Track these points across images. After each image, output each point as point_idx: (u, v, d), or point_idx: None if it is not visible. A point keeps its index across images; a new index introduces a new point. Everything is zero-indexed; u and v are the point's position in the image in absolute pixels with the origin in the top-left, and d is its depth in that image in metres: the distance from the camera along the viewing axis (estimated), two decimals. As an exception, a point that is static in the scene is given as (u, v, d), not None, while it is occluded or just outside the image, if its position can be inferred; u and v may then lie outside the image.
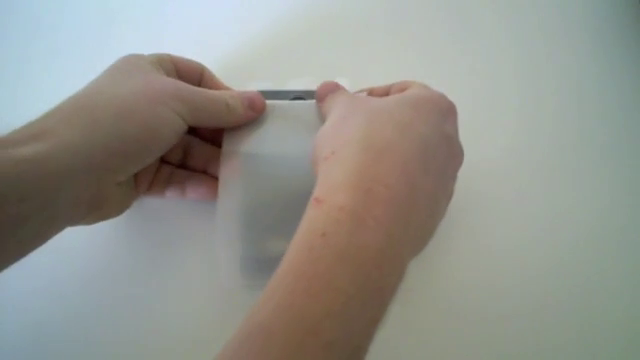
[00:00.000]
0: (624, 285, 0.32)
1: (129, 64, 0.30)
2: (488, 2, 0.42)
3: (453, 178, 0.29)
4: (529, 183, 0.35)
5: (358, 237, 0.21)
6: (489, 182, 0.35)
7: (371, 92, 0.32)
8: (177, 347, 0.31)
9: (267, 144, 0.31)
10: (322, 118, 0.30)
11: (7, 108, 0.38)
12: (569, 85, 0.39)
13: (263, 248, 0.29)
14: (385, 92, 0.32)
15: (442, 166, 0.26)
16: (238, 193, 0.30)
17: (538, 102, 0.38)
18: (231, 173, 0.30)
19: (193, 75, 0.33)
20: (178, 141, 0.30)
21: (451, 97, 0.29)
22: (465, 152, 0.29)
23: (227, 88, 0.35)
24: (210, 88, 0.33)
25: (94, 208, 0.28)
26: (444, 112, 0.28)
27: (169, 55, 0.32)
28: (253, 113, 0.31)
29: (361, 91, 0.33)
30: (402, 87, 0.31)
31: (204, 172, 0.33)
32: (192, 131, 0.33)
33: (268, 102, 0.32)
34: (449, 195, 0.29)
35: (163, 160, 0.33)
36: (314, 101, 0.32)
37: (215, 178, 0.32)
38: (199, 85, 0.33)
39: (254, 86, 0.33)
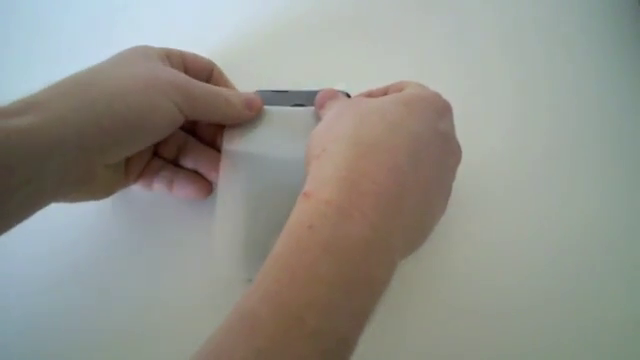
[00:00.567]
0: (621, 282, 0.32)
1: (136, 52, 0.31)
2: (484, 2, 0.42)
3: (451, 175, 0.29)
4: (526, 182, 0.35)
5: (343, 229, 0.22)
6: (487, 181, 0.35)
7: (369, 95, 0.33)
8: (173, 339, 0.31)
9: (267, 146, 0.32)
10: None
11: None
12: (566, 84, 0.38)
13: (261, 243, 0.30)
14: (383, 94, 0.32)
15: (436, 163, 0.26)
16: (238, 191, 0.31)
17: (535, 101, 0.38)
18: (231, 170, 0.31)
19: (202, 72, 0.34)
20: (172, 133, 0.30)
21: (447, 97, 0.29)
22: (462, 151, 0.29)
23: (235, 89, 0.35)
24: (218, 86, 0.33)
25: (80, 184, 0.28)
26: (439, 110, 0.28)
27: (179, 50, 0.33)
28: (251, 112, 0.32)
29: (360, 95, 0.33)
30: (399, 87, 0.31)
31: (195, 172, 0.34)
32: (190, 131, 0.34)
33: (268, 108, 0.33)
34: (447, 192, 0.29)
35: (157, 154, 0.34)
36: (313, 108, 0.32)
37: (204, 179, 0.33)
38: (207, 82, 0.33)
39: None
